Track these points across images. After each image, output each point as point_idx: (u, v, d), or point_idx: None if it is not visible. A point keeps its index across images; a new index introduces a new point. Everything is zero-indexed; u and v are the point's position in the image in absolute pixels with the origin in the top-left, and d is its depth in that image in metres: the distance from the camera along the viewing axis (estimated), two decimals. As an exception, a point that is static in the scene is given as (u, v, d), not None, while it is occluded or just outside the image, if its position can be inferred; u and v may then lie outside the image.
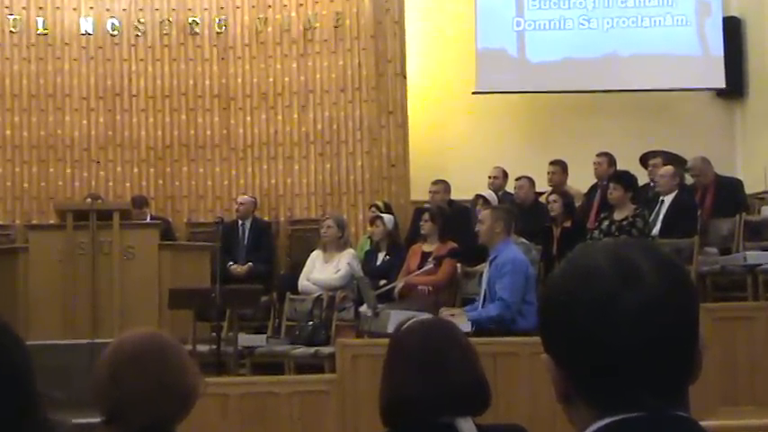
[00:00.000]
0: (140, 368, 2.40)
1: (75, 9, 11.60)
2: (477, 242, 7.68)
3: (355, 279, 8.46)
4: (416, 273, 8.32)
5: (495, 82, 11.58)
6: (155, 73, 11.65)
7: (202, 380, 2.52)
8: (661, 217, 8.92)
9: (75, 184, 11.46)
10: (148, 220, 10.08)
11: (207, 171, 11.64)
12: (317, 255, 9.10)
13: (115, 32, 11.60)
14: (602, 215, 8.77)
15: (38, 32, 11.52)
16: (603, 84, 11.47)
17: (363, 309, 7.89)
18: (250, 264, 10.08)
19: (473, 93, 11.54)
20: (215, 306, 7.55)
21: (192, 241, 10.63)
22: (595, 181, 10.10)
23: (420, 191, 10.68)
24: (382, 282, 8.54)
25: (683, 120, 11.56)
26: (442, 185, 10.12)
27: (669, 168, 9.28)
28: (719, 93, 11.61)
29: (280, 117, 11.63)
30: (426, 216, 8.77)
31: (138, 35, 11.63)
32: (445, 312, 7.15)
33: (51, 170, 11.45)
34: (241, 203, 10.62)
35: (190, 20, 11.68)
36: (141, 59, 11.65)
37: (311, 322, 8.26)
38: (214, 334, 7.57)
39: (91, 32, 11.57)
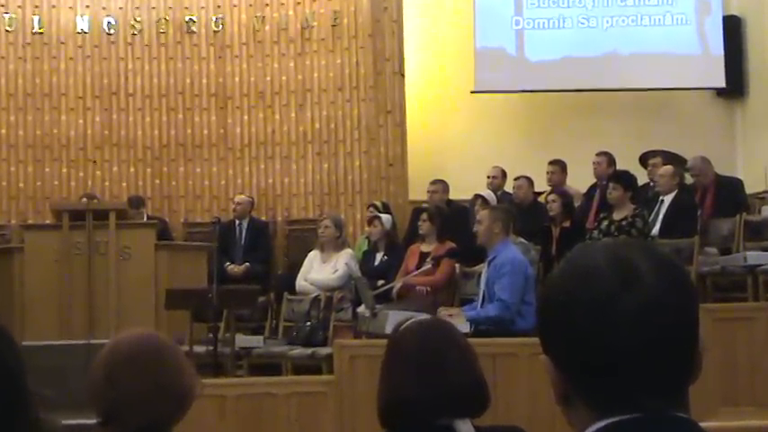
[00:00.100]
0: (136, 369, 2.40)
1: (71, 8, 11.58)
2: (476, 242, 7.65)
3: (353, 279, 8.46)
4: (414, 273, 8.30)
5: (493, 81, 11.56)
6: (151, 72, 11.63)
7: (199, 381, 2.52)
8: (661, 217, 8.91)
9: (72, 183, 11.45)
10: (145, 220, 10.04)
11: (204, 171, 11.62)
12: (314, 255, 9.09)
13: (111, 31, 11.58)
14: (602, 215, 8.75)
15: (34, 31, 11.51)
16: (603, 83, 11.45)
17: (361, 309, 7.87)
18: (247, 264, 10.05)
19: (472, 92, 11.51)
20: (212, 306, 7.52)
21: (189, 241, 10.60)
22: (595, 181, 10.09)
23: (418, 191, 10.65)
24: (380, 282, 8.53)
25: (682, 119, 11.54)
26: (441, 185, 10.11)
27: (669, 168, 9.27)
28: (720, 92, 11.60)
29: (277, 116, 11.61)
30: (424, 216, 8.76)
31: (134, 34, 11.61)
32: (443, 312, 7.14)
33: (47, 170, 11.44)
34: (238, 203, 10.59)
35: (186, 18, 11.66)
36: (138, 58, 11.63)
37: (309, 323, 8.25)
38: (211, 335, 7.55)
39: (87, 31, 11.56)
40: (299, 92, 11.55)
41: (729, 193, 9.43)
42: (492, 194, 9.63)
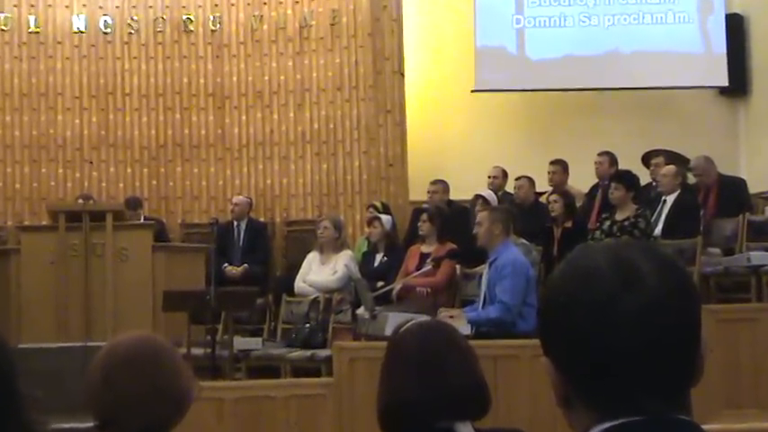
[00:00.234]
0: (134, 372, 2.39)
1: (67, 7, 11.58)
2: (477, 243, 7.61)
3: (352, 281, 8.45)
4: (415, 274, 8.29)
5: (494, 80, 11.52)
6: (148, 71, 11.60)
7: (197, 384, 2.53)
8: (663, 217, 8.91)
9: (68, 184, 11.45)
10: (142, 221, 9.99)
11: (201, 171, 11.60)
12: (313, 256, 9.07)
13: (108, 30, 11.55)
14: (604, 215, 8.74)
15: (29, 30, 11.50)
16: (604, 82, 11.43)
17: (361, 311, 7.84)
18: (245, 265, 10.03)
19: (472, 91, 11.47)
20: (210, 308, 7.49)
21: (187, 242, 10.61)
22: (596, 181, 10.08)
23: (418, 191, 10.62)
24: (380, 283, 8.51)
25: (685, 118, 11.50)
26: (441, 185, 10.08)
27: (671, 168, 9.27)
28: (722, 91, 11.57)
29: (276, 116, 11.58)
30: (425, 216, 8.76)
31: (131, 33, 11.58)
32: (444, 313, 7.18)
33: (43, 170, 11.42)
34: (236, 204, 10.56)
35: (184, 17, 11.63)
36: (134, 57, 11.60)
37: (308, 325, 8.25)
38: (209, 337, 7.51)
39: (83, 30, 11.55)
40: (298, 91, 11.51)
41: (732, 193, 9.43)
42: (493, 195, 9.60)
